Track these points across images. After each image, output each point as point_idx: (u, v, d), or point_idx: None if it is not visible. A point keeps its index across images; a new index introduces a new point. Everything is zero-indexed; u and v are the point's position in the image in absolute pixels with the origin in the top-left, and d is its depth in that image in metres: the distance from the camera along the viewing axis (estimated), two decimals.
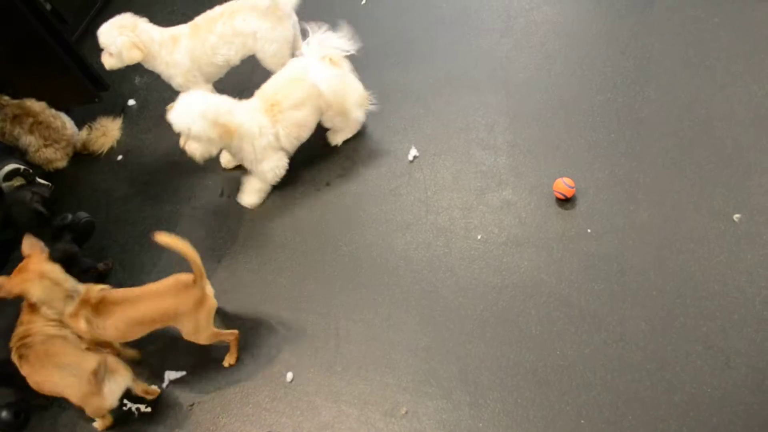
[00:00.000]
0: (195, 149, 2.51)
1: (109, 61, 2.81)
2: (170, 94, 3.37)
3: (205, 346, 2.42)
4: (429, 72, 3.02)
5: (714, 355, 2.00)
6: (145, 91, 3.50)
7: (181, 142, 2.54)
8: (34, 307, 2.13)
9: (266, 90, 2.63)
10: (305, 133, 2.70)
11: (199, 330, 2.19)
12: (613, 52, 2.82)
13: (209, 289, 2.20)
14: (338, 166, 2.81)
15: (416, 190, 2.63)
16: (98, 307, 2.13)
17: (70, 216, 2.69)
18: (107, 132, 3.31)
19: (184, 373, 2.40)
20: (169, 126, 3.20)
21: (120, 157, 3.23)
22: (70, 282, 2.14)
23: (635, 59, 2.76)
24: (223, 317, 2.50)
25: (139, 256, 2.79)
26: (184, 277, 2.14)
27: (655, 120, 2.55)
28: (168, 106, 2.55)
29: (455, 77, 2.97)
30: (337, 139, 2.86)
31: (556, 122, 2.67)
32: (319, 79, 2.57)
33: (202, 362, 2.41)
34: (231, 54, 2.88)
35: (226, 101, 2.55)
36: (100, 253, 2.83)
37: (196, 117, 2.43)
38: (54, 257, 2.29)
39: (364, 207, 2.65)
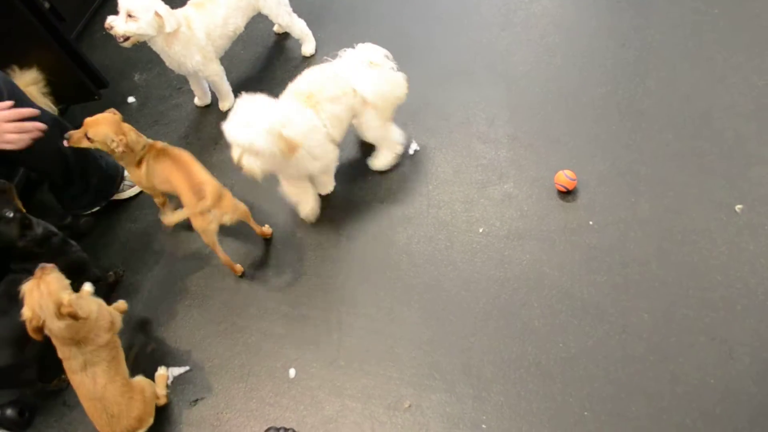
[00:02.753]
0: (255, 166, 2.22)
1: (125, 27, 2.62)
2: (170, 91, 3.38)
3: (211, 343, 2.43)
4: (429, 66, 3.02)
5: (717, 346, 2.00)
6: (145, 88, 3.49)
7: (235, 155, 2.22)
8: None
9: (298, 86, 2.40)
10: (342, 131, 2.53)
11: (199, 229, 2.37)
12: (614, 44, 2.82)
13: (213, 219, 2.33)
14: (339, 161, 2.80)
15: (417, 184, 2.63)
16: (158, 155, 2.44)
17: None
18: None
19: (187, 368, 2.40)
20: (168, 123, 3.22)
21: None
22: (143, 138, 2.46)
23: (635, 51, 2.76)
24: (226, 314, 2.50)
25: (142, 254, 2.79)
26: (215, 193, 2.30)
27: (655, 112, 2.55)
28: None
29: (455, 71, 2.97)
30: (377, 162, 2.71)
31: (556, 115, 2.67)
32: (361, 81, 2.41)
33: (205, 358, 2.41)
34: (239, 21, 2.96)
35: (283, 108, 2.27)
36: (104, 250, 2.83)
37: (261, 131, 2.14)
38: (62, 265, 2.29)
39: (365, 201, 2.65)
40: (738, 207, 2.24)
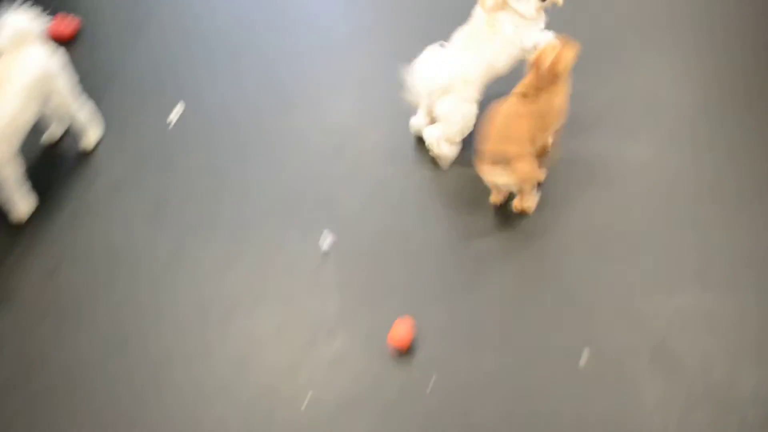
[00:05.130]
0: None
1: None
2: None
3: None
4: (250, 205, 2.68)
5: None
6: None
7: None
8: None
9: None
10: None
11: None
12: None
13: None
14: None
15: (230, 349, 2.25)
16: None
17: None
18: None
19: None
20: None
21: None
22: None
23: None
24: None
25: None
26: None
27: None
28: None
29: (278, 209, 2.64)
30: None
31: (393, 258, 2.43)
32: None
33: None
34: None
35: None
36: None
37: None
38: None
39: (170, 371, 2.24)
40: (583, 355, 2.09)
